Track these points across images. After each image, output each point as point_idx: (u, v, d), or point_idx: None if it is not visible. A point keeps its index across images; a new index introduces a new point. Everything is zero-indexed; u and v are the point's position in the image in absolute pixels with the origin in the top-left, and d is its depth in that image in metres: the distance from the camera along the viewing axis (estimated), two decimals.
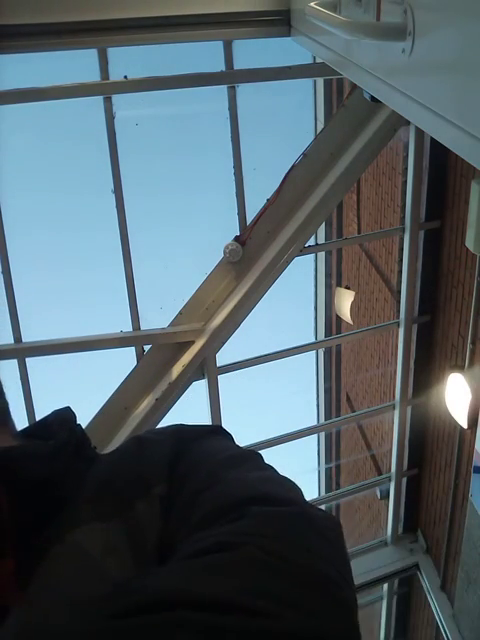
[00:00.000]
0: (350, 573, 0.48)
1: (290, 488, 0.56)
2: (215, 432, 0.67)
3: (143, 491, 0.57)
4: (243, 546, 0.43)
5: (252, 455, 0.63)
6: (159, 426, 0.74)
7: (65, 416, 0.66)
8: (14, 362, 2.98)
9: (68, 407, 0.67)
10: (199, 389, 3.38)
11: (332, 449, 7.04)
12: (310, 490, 6.82)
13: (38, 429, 0.65)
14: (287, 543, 0.45)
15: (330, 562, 0.45)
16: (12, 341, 2.97)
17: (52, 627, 0.42)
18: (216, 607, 0.37)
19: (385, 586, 4.53)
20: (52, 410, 0.67)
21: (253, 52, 2.94)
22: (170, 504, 0.56)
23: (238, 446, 0.66)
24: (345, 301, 4.85)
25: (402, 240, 3.54)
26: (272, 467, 0.61)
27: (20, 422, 0.66)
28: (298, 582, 0.41)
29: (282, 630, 0.37)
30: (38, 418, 0.69)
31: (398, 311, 3.75)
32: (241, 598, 0.38)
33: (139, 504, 0.56)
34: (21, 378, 3.01)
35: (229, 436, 0.69)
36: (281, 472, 0.63)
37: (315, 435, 5.55)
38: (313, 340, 5.94)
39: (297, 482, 0.64)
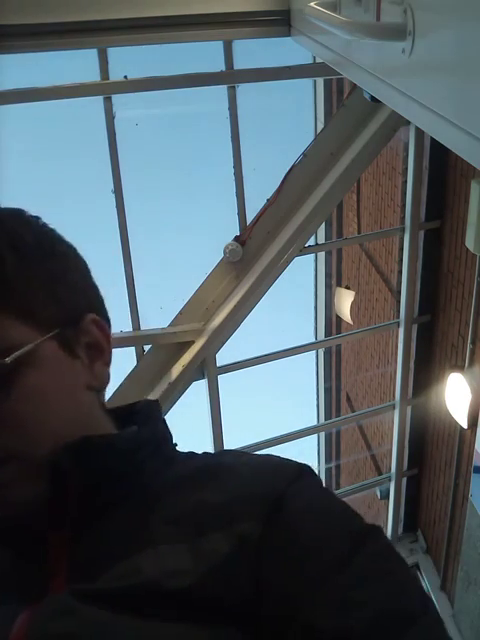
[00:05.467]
0: None
1: (426, 604, 0.54)
2: (308, 474, 0.63)
3: (223, 523, 0.54)
4: None
5: (371, 537, 0.57)
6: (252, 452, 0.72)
7: (151, 411, 0.67)
8: None
9: (156, 402, 0.69)
10: (199, 389, 3.38)
11: (332, 449, 7.04)
12: None
13: (124, 414, 0.67)
14: None
15: None
16: None
17: None
18: None
19: None
20: (142, 399, 0.70)
21: (253, 52, 2.94)
22: (262, 549, 0.53)
23: (345, 505, 0.61)
24: (345, 301, 4.85)
25: (402, 240, 3.54)
26: (392, 550, 0.57)
27: None
28: None
29: None
30: None
31: (398, 311, 3.75)
32: None
33: (215, 535, 0.53)
34: None
35: (317, 478, 0.66)
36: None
37: (315, 435, 5.55)
38: (313, 340, 5.94)
39: None
